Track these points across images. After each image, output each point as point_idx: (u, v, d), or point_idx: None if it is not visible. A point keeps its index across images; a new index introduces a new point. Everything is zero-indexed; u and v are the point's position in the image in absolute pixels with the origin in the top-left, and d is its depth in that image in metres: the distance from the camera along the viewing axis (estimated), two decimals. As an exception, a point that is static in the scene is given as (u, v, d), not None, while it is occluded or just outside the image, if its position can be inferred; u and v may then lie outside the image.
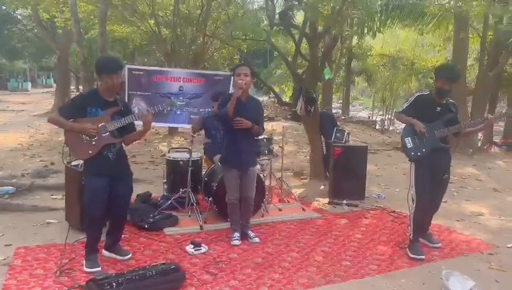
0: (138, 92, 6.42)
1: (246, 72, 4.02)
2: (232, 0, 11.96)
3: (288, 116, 14.53)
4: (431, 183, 3.91)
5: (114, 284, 2.90)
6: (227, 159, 4.19)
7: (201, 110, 6.27)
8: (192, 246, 3.90)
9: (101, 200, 3.41)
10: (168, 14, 11.97)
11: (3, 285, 3.15)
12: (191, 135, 5.54)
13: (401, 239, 4.32)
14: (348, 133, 6.33)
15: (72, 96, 12.71)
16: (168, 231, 4.42)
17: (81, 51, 9.17)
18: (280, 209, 5.28)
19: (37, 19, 14.71)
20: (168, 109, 4.60)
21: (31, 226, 4.49)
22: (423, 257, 3.86)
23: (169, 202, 4.97)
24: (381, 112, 19.89)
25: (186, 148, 5.70)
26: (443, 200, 4.26)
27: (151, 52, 16.61)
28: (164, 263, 3.37)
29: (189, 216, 4.83)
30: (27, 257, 3.69)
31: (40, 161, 7.81)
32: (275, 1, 7.57)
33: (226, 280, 3.36)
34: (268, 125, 11.34)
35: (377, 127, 17.16)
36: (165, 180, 5.49)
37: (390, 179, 7.26)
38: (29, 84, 36.92)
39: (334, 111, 15.73)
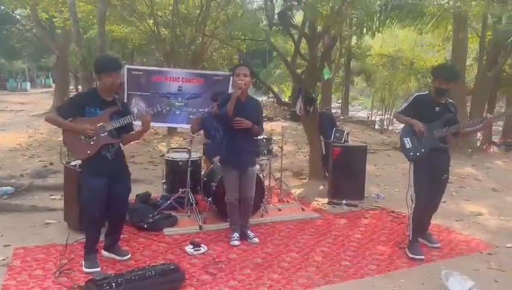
0: (137, 92, 6.42)
1: (245, 72, 4.02)
2: (231, 0, 11.95)
3: (288, 116, 14.47)
4: (430, 183, 3.91)
5: (113, 284, 2.90)
6: (227, 159, 4.19)
7: (200, 110, 6.26)
8: (192, 246, 3.90)
9: (100, 201, 3.41)
10: (167, 14, 11.94)
11: (2, 286, 3.15)
12: (190, 135, 5.53)
13: (401, 239, 4.32)
14: (347, 133, 6.33)
15: (71, 96, 12.70)
16: (167, 231, 4.42)
17: (80, 50, 9.14)
18: (279, 210, 5.28)
19: (35, 19, 14.68)
20: (167, 109, 4.61)
21: (30, 226, 4.48)
22: (422, 257, 3.86)
23: (169, 202, 4.96)
24: (380, 112, 19.91)
25: (186, 148, 5.69)
26: (442, 200, 4.27)
27: (150, 52, 16.58)
28: (163, 264, 3.37)
29: (189, 216, 4.83)
30: (26, 257, 3.68)
31: (39, 161, 7.79)
32: (274, 1, 7.58)
33: (226, 280, 3.36)
34: (267, 125, 11.32)
35: (376, 127, 17.16)
36: (164, 181, 5.49)
37: (389, 179, 7.26)
38: (28, 84, 36.77)
39: (333, 111, 15.67)
